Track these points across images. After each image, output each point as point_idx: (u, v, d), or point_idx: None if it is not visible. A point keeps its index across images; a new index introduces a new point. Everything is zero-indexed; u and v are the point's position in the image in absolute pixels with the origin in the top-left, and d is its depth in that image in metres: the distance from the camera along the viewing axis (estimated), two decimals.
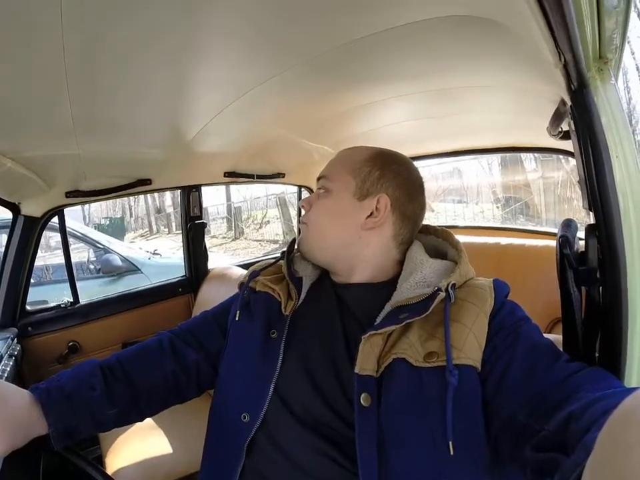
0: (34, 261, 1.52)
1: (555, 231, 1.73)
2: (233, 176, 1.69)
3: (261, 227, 11.47)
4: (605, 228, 0.52)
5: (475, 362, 0.54)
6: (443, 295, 0.58)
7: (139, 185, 1.53)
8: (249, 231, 11.84)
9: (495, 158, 8.22)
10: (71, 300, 1.70)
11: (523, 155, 7.52)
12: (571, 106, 0.58)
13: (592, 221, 0.56)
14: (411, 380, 0.55)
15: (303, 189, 2.21)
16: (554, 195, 7.20)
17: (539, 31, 0.47)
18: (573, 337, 0.59)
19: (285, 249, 0.80)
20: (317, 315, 0.70)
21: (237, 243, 11.24)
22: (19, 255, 1.44)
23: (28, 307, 1.58)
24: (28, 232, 1.44)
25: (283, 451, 0.60)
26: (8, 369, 1.22)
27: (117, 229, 11.60)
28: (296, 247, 0.80)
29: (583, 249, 0.57)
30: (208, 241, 2.10)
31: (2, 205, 1.32)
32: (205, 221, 1.96)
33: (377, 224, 0.70)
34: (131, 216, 15.80)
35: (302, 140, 1.40)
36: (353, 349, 0.62)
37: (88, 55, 0.62)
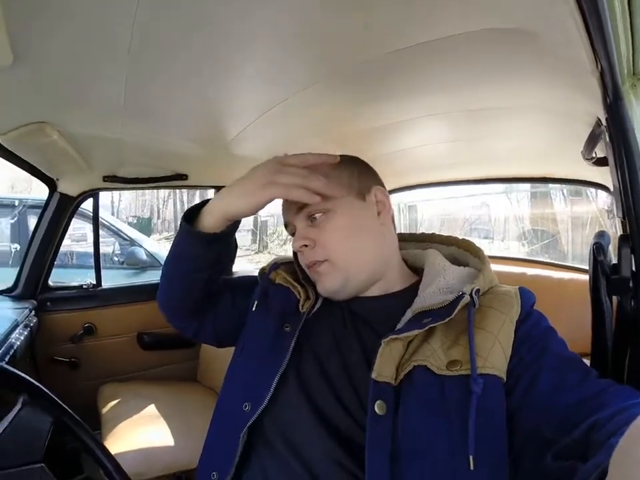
0: (62, 238, 1.58)
1: (582, 266, 1.70)
2: None
3: (285, 244, 11.46)
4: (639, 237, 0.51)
5: (501, 372, 0.51)
6: (467, 298, 0.55)
7: (176, 179, 1.56)
8: (273, 246, 11.86)
9: (525, 195, 8.10)
10: (94, 282, 1.74)
11: (552, 193, 7.37)
12: (606, 118, 0.57)
13: (623, 231, 0.55)
14: (432, 388, 0.52)
15: None
16: (582, 233, 7.01)
17: (578, 36, 0.47)
18: (601, 352, 0.56)
19: None
20: (331, 321, 0.67)
21: (259, 256, 11.21)
22: (49, 230, 1.50)
23: (50, 283, 1.62)
24: (61, 209, 1.49)
25: (289, 446, 0.58)
26: (22, 337, 1.26)
27: (143, 228, 11.86)
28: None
29: (616, 261, 0.55)
30: None
31: (40, 179, 1.38)
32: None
33: (387, 215, 0.69)
34: (158, 218, 16.21)
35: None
36: (370, 355, 0.58)
37: (153, 35, 0.62)
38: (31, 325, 1.38)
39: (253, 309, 0.73)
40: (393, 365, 0.54)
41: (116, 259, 3.77)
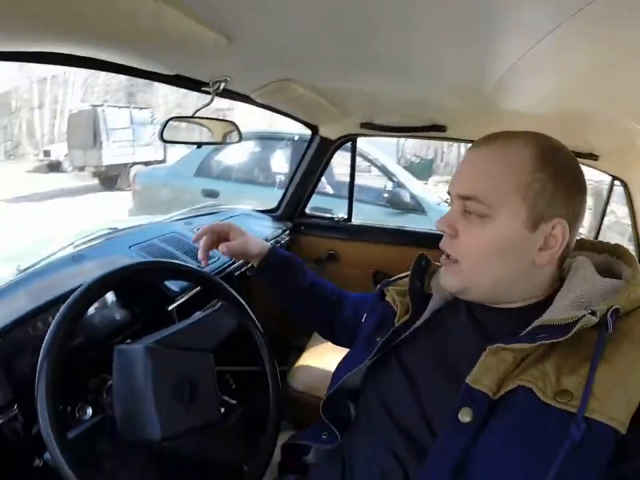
0: (322, 175, 1.84)
1: None
2: None
3: None
4: None
5: (617, 422, 0.43)
6: (591, 319, 0.47)
7: (433, 130, 1.50)
8: None
9: None
10: (345, 217, 1.94)
11: None
12: None
13: None
14: (532, 415, 0.47)
15: (615, 182, 1.61)
16: None
17: None
18: None
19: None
20: (440, 334, 0.64)
21: None
22: (310, 166, 1.77)
23: (307, 211, 1.95)
24: (321, 150, 1.72)
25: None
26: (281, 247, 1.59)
27: (424, 169, 12.15)
28: (440, 280, 0.66)
29: None
30: None
31: (305, 125, 1.62)
32: None
33: (553, 256, 0.56)
34: (441, 160, 16.38)
35: (623, 117, 1.03)
36: (475, 363, 0.54)
37: None
38: (282, 242, 1.73)
39: (362, 320, 0.78)
40: (496, 376, 0.51)
41: (385, 195, 4.09)
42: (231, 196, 3.61)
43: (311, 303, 0.91)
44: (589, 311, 0.48)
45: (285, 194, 1.87)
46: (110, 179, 9.98)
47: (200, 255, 0.85)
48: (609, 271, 0.59)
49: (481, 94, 1.09)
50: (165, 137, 0.89)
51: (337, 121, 1.52)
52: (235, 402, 0.88)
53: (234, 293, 0.86)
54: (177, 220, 1.51)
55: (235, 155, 4.07)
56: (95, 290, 0.68)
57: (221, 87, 0.87)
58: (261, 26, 0.66)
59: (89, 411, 0.72)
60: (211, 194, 3.82)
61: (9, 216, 7.23)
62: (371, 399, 0.65)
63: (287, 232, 1.79)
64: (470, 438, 0.49)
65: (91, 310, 0.81)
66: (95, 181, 10.14)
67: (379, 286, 0.79)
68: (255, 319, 0.86)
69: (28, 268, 0.91)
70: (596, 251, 0.63)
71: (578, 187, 0.56)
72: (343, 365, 0.73)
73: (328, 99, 1.23)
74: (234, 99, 1.07)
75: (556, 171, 0.54)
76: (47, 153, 13.22)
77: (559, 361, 0.49)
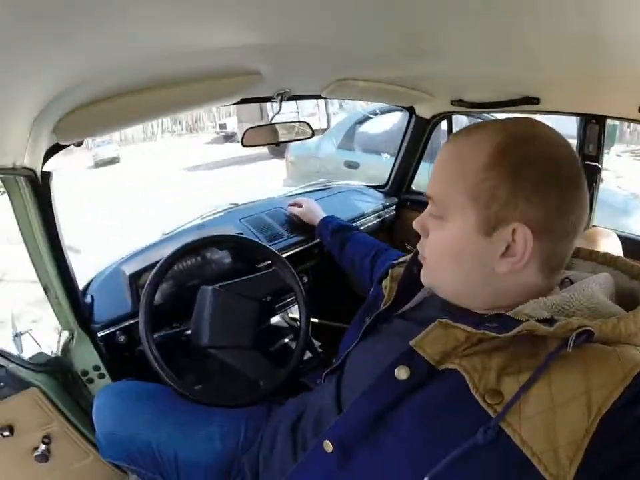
0: (422, 154, 1.90)
1: None
2: None
3: None
4: None
5: (529, 450, 0.41)
6: (538, 327, 0.44)
7: (525, 103, 1.42)
8: None
9: None
10: None
11: None
12: None
13: None
14: (456, 404, 0.47)
15: None
16: None
17: None
18: None
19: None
20: (414, 323, 0.64)
21: None
22: (411, 145, 1.85)
23: (413, 187, 2.05)
24: (419, 129, 1.79)
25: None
26: (375, 222, 1.79)
27: (609, 134, 9.92)
28: None
29: None
30: None
31: (402, 108, 1.74)
32: (598, 165, 1.48)
33: (516, 265, 0.51)
34: (628, 126, 12.87)
35: None
36: None
37: None
38: (386, 216, 1.89)
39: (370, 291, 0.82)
40: (441, 349, 0.49)
41: None
42: (370, 167, 3.80)
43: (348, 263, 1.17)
44: (551, 317, 0.46)
45: (391, 171, 1.99)
46: (278, 147, 11.15)
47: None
48: (634, 299, 0.51)
49: (577, 63, 1.01)
50: (245, 142, 1.16)
51: (428, 101, 1.58)
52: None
53: (286, 262, 1.13)
54: (292, 195, 1.85)
55: (376, 128, 4.17)
56: (172, 260, 1.03)
57: (285, 97, 1.10)
58: (304, 36, 0.71)
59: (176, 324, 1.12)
60: (352, 165, 4.08)
61: (189, 183, 8.80)
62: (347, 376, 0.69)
63: (393, 207, 1.93)
64: (393, 397, 0.50)
65: (215, 260, 1.22)
66: (265, 149, 11.55)
67: (386, 265, 0.80)
68: (299, 283, 1.12)
69: (169, 233, 1.36)
70: (630, 274, 0.55)
71: (553, 182, 0.49)
72: (344, 340, 0.78)
73: (401, 85, 1.32)
74: (305, 99, 1.28)
75: (516, 167, 0.49)
76: (222, 126, 15.20)
77: (509, 358, 0.46)
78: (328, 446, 0.54)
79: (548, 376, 0.42)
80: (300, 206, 1.47)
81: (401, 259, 0.78)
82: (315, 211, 1.41)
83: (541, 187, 0.48)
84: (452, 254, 0.55)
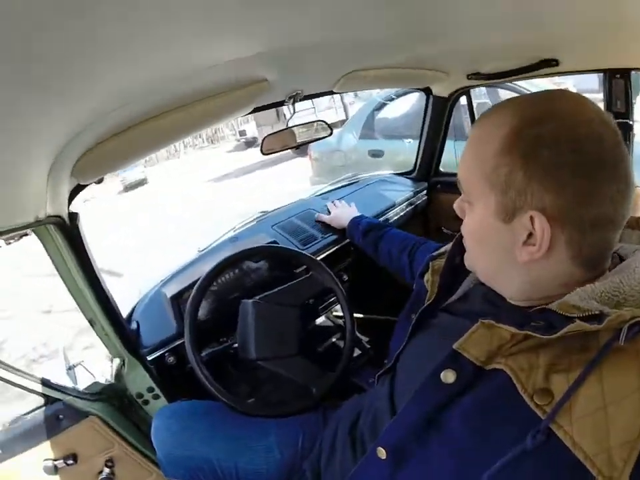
0: (446, 132, 1.83)
1: None
2: None
3: None
4: None
5: (581, 453, 0.38)
6: (584, 326, 0.40)
7: (544, 67, 1.34)
8: None
9: None
10: None
11: None
12: None
13: None
14: (505, 407, 0.45)
15: None
16: None
17: None
18: None
19: None
20: (458, 316, 0.64)
21: None
22: (432, 127, 1.80)
23: (441, 169, 1.98)
24: (438, 109, 1.73)
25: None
26: (408, 209, 1.76)
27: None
28: None
29: None
30: None
31: (418, 90, 1.69)
32: (629, 122, 1.38)
33: (535, 254, 0.47)
34: None
35: None
36: None
37: None
38: (418, 202, 1.84)
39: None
40: (486, 349, 0.47)
41: None
42: (395, 154, 3.74)
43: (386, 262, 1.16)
44: (597, 312, 0.42)
45: (417, 155, 1.94)
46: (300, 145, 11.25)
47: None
48: None
49: (596, 17, 0.93)
50: (265, 150, 1.16)
51: (444, 80, 1.52)
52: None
53: (323, 265, 1.12)
54: (321, 194, 1.84)
55: (395, 113, 4.08)
56: (210, 278, 1.06)
57: (297, 98, 1.08)
58: (308, 35, 0.69)
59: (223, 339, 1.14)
60: (376, 154, 4.02)
61: (216, 194, 8.90)
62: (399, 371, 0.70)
63: (424, 192, 1.89)
64: (445, 399, 0.49)
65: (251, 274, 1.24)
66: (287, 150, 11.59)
67: (426, 259, 0.78)
68: (339, 283, 1.10)
69: (204, 249, 1.39)
70: None
71: (572, 166, 0.44)
72: (394, 339, 0.77)
73: (414, 67, 1.28)
74: (318, 97, 1.26)
75: (529, 151, 0.45)
76: (242, 133, 15.37)
77: (557, 354, 0.43)
78: (381, 452, 0.55)
79: (599, 372, 0.39)
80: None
81: (441, 250, 0.76)
82: (341, 216, 1.42)
83: (556, 172, 0.44)
84: (478, 239, 0.55)
